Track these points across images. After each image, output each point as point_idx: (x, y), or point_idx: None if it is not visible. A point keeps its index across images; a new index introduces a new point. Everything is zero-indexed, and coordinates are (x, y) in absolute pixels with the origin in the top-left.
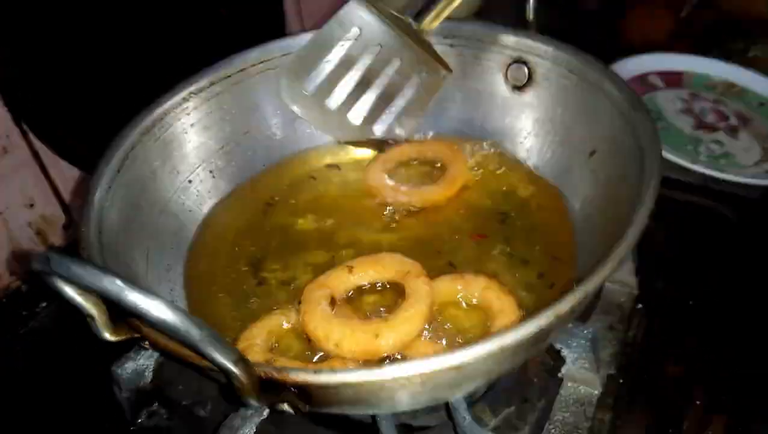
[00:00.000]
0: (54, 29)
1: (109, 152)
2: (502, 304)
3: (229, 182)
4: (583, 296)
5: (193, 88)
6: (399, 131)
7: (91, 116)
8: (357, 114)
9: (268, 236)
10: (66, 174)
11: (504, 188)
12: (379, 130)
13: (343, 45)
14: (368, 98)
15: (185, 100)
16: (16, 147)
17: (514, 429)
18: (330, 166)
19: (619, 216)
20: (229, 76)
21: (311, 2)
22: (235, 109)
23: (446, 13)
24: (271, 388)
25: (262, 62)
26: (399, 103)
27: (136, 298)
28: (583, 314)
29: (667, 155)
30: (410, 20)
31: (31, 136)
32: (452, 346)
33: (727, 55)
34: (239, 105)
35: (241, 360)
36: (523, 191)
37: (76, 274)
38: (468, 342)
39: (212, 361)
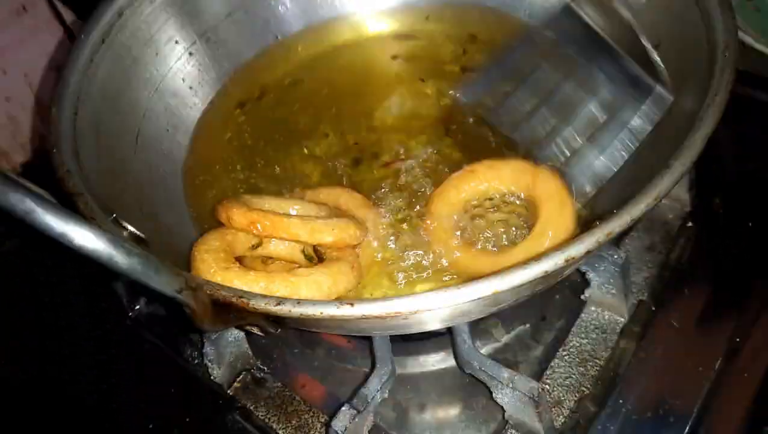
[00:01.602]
0: None
1: (91, 19)
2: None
3: (232, 58)
4: (623, 226)
5: None
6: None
7: None
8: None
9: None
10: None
11: None
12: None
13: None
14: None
15: None
16: (35, 5)
17: (525, 348)
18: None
19: (678, 127)
20: None
21: None
22: None
23: None
24: (230, 313)
25: None
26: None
27: (50, 220)
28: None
29: (756, 43)
30: None
31: None
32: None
33: None
34: None
35: (188, 288)
36: None
37: None
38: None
39: (154, 290)
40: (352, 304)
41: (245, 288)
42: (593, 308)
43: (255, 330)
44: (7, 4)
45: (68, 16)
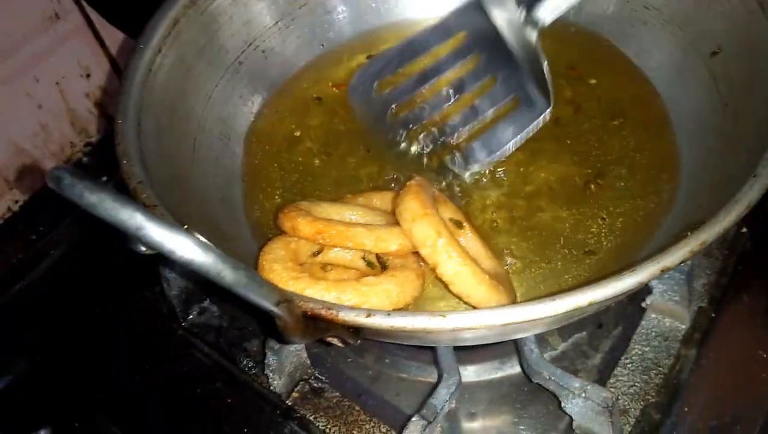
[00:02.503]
0: None
1: (149, 28)
2: None
3: (283, 67)
4: (715, 236)
5: None
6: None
7: None
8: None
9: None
10: (123, 45)
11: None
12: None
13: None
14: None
15: None
16: (67, 12)
17: (583, 356)
18: None
19: (742, 143)
20: None
21: None
22: None
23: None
24: (316, 325)
25: None
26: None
27: (160, 235)
28: None
29: None
30: (522, 13)
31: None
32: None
33: None
34: None
35: (284, 301)
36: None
37: (89, 202)
38: None
39: (252, 304)
40: (444, 316)
41: (317, 298)
42: (654, 316)
43: (336, 341)
44: (39, 11)
45: (100, 23)
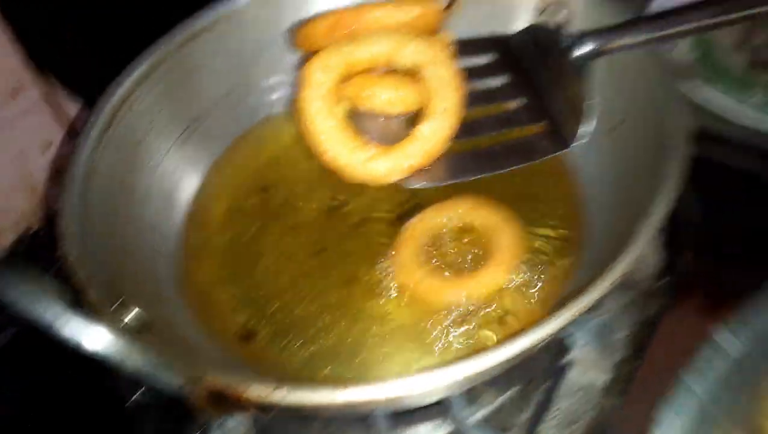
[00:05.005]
0: None
1: (99, 103)
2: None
3: (224, 137)
4: (586, 308)
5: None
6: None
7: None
8: None
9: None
10: (82, 115)
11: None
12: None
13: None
14: None
15: (181, 46)
16: (27, 88)
17: (517, 411)
18: None
19: (636, 203)
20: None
21: None
22: (240, 49)
23: (612, 49)
24: (227, 400)
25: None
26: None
27: (70, 329)
28: None
29: (711, 102)
30: (566, 36)
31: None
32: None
33: None
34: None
35: (189, 382)
36: None
37: (8, 299)
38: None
39: (161, 387)
40: (344, 388)
41: None
42: (576, 369)
43: (254, 412)
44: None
45: (60, 96)
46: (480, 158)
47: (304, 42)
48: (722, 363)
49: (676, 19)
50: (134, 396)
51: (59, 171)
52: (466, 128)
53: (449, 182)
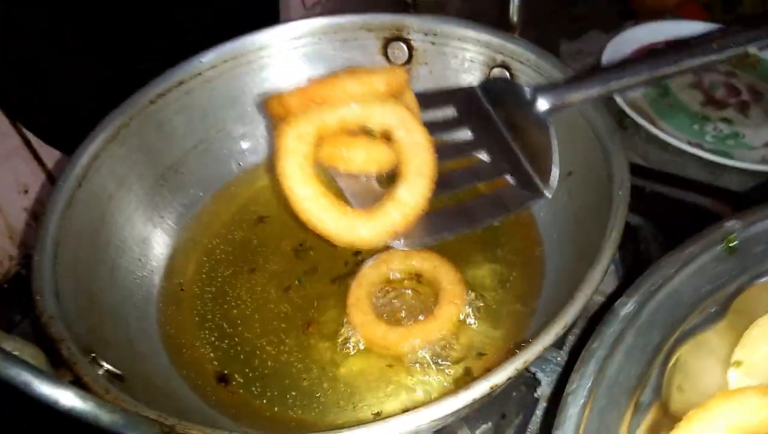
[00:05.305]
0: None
1: (70, 162)
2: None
3: (201, 187)
4: (534, 355)
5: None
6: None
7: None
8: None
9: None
10: (61, 160)
11: None
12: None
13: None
14: None
15: (151, 102)
16: (5, 136)
17: None
18: None
19: (587, 249)
20: (200, 74)
21: None
22: (208, 104)
23: (573, 102)
24: None
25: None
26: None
27: (43, 390)
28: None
29: (669, 138)
30: (527, 91)
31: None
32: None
33: (740, 23)
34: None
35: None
36: None
37: None
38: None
39: None
40: None
41: None
42: (545, 404)
43: None
44: None
45: (37, 143)
46: (458, 214)
47: (275, 112)
48: (619, 326)
49: (630, 71)
50: None
51: (38, 215)
52: (440, 183)
53: (432, 241)
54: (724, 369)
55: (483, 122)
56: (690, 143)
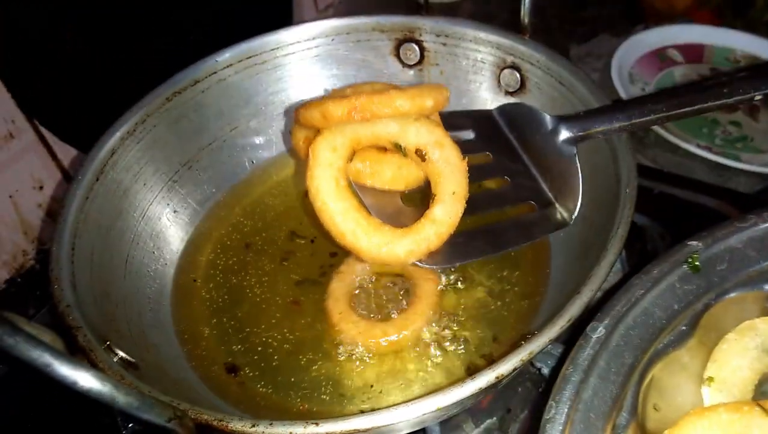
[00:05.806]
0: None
1: (87, 158)
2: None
3: (215, 183)
4: (540, 347)
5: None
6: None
7: (94, 101)
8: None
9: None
10: (75, 157)
11: None
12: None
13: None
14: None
15: (168, 100)
16: (21, 132)
17: None
18: None
19: (593, 247)
20: (215, 73)
21: None
22: (223, 101)
23: (596, 133)
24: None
25: (249, 58)
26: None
27: (64, 371)
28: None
29: (678, 140)
30: (548, 119)
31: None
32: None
33: (751, 27)
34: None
35: (175, 417)
36: None
37: (6, 344)
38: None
39: (148, 423)
40: (317, 424)
41: None
42: None
43: None
44: None
45: (52, 140)
46: (486, 238)
47: (311, 120)
48: (591, 351)
49: (651, 107)
50: (130, 424)
51: (52, 211)
52: (469, 205)
53: (461, 263)
54: (697, 385)
55: (502, 146)
56: (699, 146)
